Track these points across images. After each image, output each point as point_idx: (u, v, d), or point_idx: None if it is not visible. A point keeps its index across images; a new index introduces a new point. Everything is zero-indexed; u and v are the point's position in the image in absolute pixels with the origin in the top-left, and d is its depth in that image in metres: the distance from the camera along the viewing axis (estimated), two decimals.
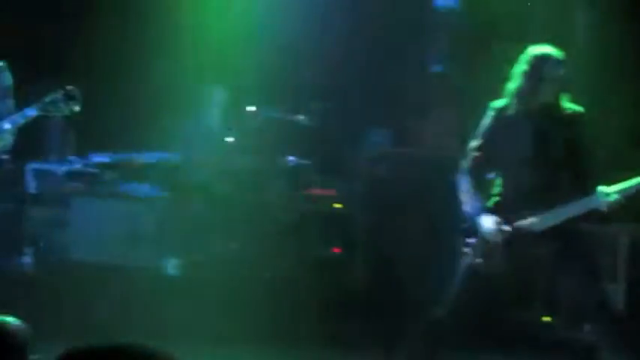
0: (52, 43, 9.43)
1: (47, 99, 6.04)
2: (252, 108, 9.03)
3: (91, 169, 9.03)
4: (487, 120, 5.99)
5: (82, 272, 8.29)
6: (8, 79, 6.10)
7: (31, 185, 8.99)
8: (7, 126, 5.96)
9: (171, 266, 8.57)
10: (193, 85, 9.33)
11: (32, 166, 9.02)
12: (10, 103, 6.07)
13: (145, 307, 7.72)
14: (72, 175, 8.97)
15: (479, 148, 5.98)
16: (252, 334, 7.41)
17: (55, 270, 8.48)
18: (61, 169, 8.99)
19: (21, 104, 6.16)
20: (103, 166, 9.06)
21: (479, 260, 5.82)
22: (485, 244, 5.81)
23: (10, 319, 3.60)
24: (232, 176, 8.94)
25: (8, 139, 5.99)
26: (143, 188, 9.00)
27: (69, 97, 6.10)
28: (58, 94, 6.09)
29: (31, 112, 6.01)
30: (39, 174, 9.00)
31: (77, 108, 6.15)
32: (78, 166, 9.04)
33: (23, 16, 9.22)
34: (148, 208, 8.79)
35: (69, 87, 6.13)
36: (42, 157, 9.13)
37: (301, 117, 9.12)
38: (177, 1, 9.45)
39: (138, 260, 8.46)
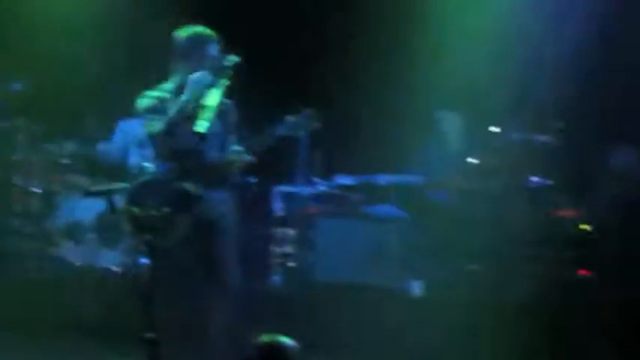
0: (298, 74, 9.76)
1: (287, 120, 6.43)
2: (496, 129, 8.97)
3: (335, 191, 9.22)
4: None
5: (329, 291, 8.45)
6: (234, 116, 6.45)
7: (278, 207, 9.26)
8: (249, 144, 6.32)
9: (415, 287, 8.61)
10: (433, 109, 9.39)
11: (279, 188, 9.30)
12: (233, 138, 6.40)
13: (392, 329, 7.79)
14: (317, 197, 9.18)
15: None
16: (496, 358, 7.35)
17: (303, 289, 8.69)
18: (307, 191, 9.21)
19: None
20: (347, 188, 9.24)
21: None
22: None
23: (285, 339, 3.72)
24: (474, 197, 8.90)
25: (246, 156, 6.31)
26: (386, 209, 9.10)
27: (306, 119, 6.48)
28: (297, 116, 6.47)
29: (274, 132, 6.34)
30: (285, 196, 9.26)
31: (313, 128, 6.51)
32: (323, 188, 9.24)
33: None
34: (391, 229, 8.87)
35: (306, 109, 6.49)
36: (288, 179, 9.38)
37: (544, 137, 8.99)
38: (419, 27, 9.53)
39: (381, 281, 8.54)
